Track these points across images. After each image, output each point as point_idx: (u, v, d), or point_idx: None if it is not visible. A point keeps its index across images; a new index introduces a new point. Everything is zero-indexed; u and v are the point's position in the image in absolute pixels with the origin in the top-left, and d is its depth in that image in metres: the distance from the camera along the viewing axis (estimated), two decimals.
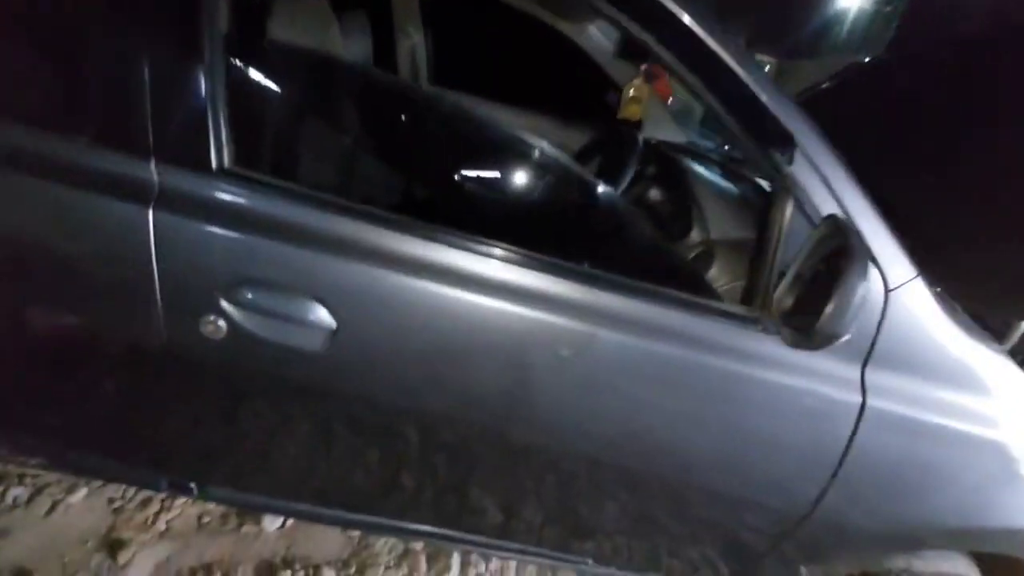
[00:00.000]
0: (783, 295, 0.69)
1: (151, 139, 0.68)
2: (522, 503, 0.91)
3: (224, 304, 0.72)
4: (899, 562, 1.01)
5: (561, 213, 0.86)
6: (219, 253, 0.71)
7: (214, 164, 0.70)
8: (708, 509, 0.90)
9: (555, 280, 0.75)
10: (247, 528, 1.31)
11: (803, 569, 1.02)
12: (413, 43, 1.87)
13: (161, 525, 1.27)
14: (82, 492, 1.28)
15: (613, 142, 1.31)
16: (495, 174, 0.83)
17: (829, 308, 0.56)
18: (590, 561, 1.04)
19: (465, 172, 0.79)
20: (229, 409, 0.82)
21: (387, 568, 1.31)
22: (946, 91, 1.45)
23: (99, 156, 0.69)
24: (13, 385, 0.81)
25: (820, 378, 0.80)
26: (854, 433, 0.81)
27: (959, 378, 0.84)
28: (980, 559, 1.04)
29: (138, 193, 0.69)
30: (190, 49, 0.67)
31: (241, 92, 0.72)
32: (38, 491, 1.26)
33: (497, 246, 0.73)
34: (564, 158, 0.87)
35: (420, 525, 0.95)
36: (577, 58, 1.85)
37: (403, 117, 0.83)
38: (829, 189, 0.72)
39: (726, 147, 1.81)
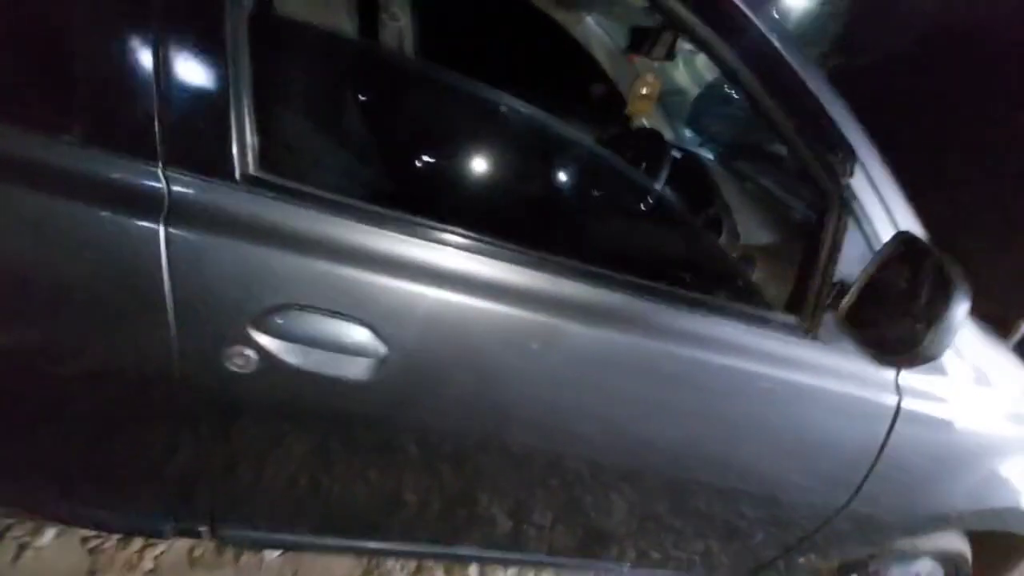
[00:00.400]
0: (848, 309, 0.70)
1: (157, 138, 0.58)
2: (577, 517, 0.88)
3: (253, 333, 0.63)
4: (905, 542, 1.08)
5: (623, 223, 0.83)
6: (247, 274, 0.62)
7: (236, 169, 0.60)
8: (750, 510, 0.92)
9: (619, 295, 0.71)
10: (246, 558, 1.21)
11: (801, 559, 1.07)
12: (399, 27, 1.75)
13: (148, 563, 1.15)
14: (51, 532, 1.13)
15: (637, 142, 1.28)
16: (557, 181, 0.78)
17: (933, 333, 0.56)
18: (627, 566, 1.04)
19: (528, 179, 0.74)
20: (254, 446, 0.73)
21: None
22: (929, 88, 1.52)
23: (92, 160, 0.57)
24: None
25: (860, 382, 0.82)
26: (890, 432, 0.84)
27: (976, 376, 0.89)
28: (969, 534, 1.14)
29: (144, 205, 0.58)
30: (206, 27, 0.57)
31: (267, 81, 0.62)
32: None
33: (563, 262, 0.69)
34: (620, 162, 0.83)
35: (462, 548, 0.91)
36: (573, 50, 1.80)
37: (462, 115, 0.75)
38: (883, 204, 0.73)
39: (712, 143, 1.82)
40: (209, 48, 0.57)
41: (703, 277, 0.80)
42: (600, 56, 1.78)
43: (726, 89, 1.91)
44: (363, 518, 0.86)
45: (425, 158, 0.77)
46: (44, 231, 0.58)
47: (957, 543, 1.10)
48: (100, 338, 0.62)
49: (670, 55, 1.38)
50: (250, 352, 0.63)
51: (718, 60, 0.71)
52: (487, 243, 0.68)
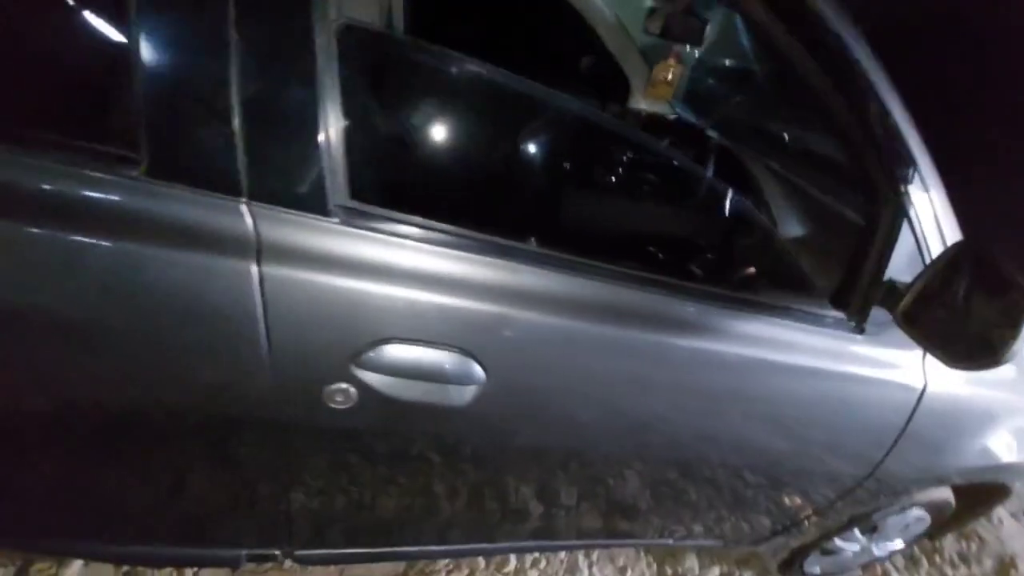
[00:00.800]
0: (907, 309, 0.75)
1: (242, 170, 0.52)
2: (650, 504, 0.95)
3: (354, 370, 0.61)
4: (904, 498, 1.22)
5: (702, 229, 0.85)
6: (345, 311, 0.59)
7: (329, 200, 0.56)
8: (788, 487, 1.00)
9: (697, 306, 0.74)
10: (290, 563, 1.20)
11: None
12: None
13: None
14: (78, 562, 1.08)
15: (669, 132, 1.27)
16: (659, 199, 0.77)
17: (1012, 342, 0.62)
18: (671, 541, 1.12)
19: (614, 197, 0.72)
20: (345, 473, 0.72)
21: (448, 573, 1.30)
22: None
23: (168, 197, 0.52)
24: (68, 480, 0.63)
25: (896, 370, 0.90)
26: (914, 411, 0.94)
27: None
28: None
29: (233, 244, 0.54)
30: (294, 40, 0.51)
31: (354, 98, 0.57)
32: (21, 571, 1.04)
33: (661, 279, 0.70)
34: (698, 170, 0.83)
35: (523, 541, 0.95)
36: (574, 24, 1.73)
37: (562, 130, 0.72)
38: (934, 211, 0.78)
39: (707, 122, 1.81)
40: (297, 66, 0.51)
41: (771, 276, 0.84)
42: (601, 31, 1.72)
43: (721, 64, 1.90)
44: (442, 526, 0.88)
45: (515, 175, 0.74)
46: (121, 278, 0.52)
47: (945, 493, 1.25)
48: (192, 385, 0.58)
49: (699, 39, 1.35)
50: (350, 388, 0.61)
51: (783, 53, 0.71)
52: (579, 263, 0.67)
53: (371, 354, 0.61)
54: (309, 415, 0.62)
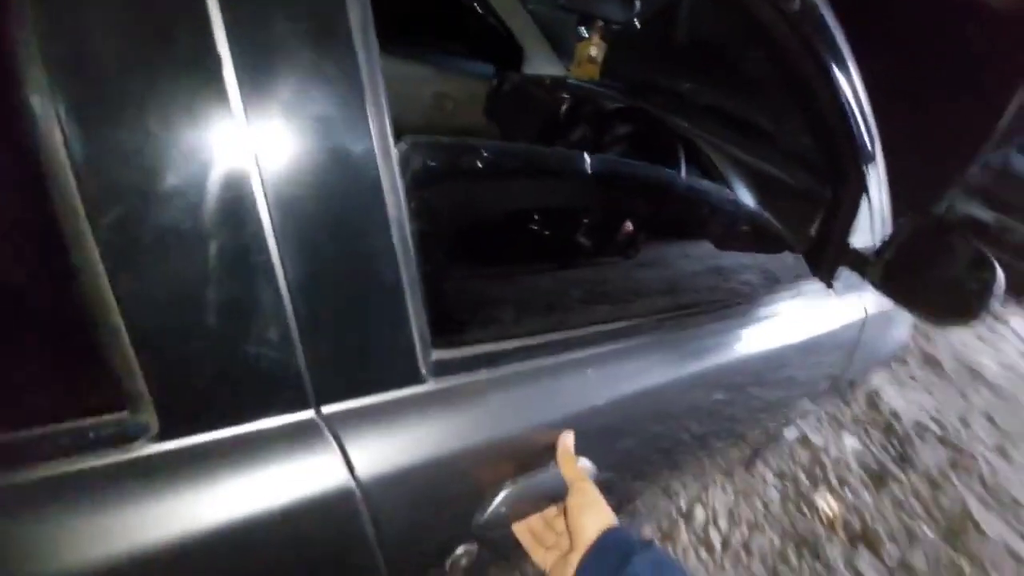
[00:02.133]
0: (881, 273, 0.86)
1: (304, 372, 0.38)
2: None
3: (476, 530, 0.53)
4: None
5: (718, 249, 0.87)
6: (460, 480, 0.49)
7: (419, 362, 0.44)
8: (785, 414, 1.19)
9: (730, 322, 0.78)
10: None
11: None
12: None
13: None
14: None
15: (621, 123, 1.19)
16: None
17: (984, 306, 0.74)
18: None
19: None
20: None
21: None
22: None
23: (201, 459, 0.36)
24: None
25: (851, 309, 1.06)
26: (862, 331, 1.13)
27: None
28: None
29: (315, 466, 0.40)
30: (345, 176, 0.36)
31: (427, 233, 0.43)
32: None
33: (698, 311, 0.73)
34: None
35: None
36: None
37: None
38: (879, 188, 0.90)
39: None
40: (357, 214, 0.37)
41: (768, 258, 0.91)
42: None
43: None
44: None
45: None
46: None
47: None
48: None
49: (630, 14, 1.23)
50: (472, 547, 0.53)
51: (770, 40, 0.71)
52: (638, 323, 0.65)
53: (490, 509, 0.52)
54: None
